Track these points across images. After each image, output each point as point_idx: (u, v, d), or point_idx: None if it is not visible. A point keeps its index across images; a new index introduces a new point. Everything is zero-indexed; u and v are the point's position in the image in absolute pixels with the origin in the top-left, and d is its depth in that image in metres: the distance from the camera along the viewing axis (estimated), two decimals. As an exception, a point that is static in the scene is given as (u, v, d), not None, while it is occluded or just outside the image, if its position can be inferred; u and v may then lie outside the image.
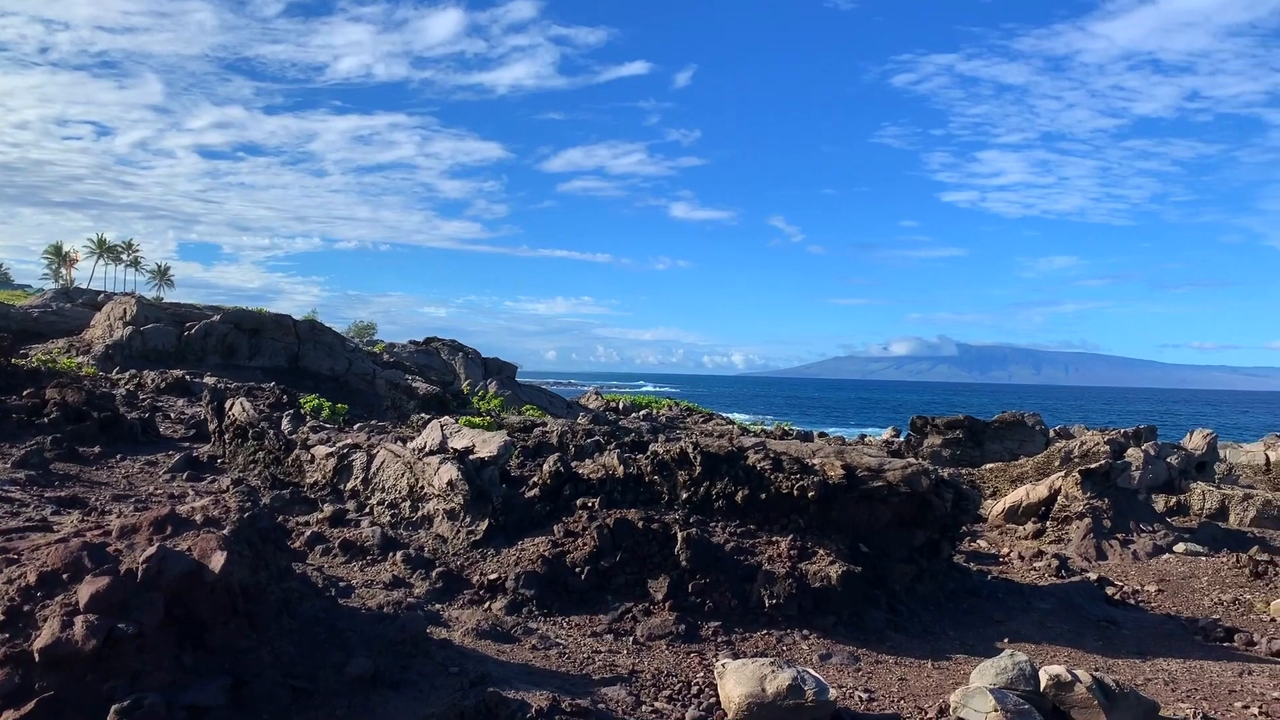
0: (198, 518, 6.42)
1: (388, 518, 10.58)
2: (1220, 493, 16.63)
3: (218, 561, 5.79)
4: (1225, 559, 12.78)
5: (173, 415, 19.71)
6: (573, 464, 10.62)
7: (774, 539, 9.26)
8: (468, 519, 9.84)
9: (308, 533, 10.14)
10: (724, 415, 40.74)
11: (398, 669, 6.46)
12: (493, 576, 8.89)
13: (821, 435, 35.00)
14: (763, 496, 9.49)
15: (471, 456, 10.54)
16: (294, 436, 13.62)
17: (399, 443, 12.33)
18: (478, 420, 16.65)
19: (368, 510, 10.97)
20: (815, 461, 9.74)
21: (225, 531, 6.13)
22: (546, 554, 9.01)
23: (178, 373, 25.70)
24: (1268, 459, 23.60)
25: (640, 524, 9.11)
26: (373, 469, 11.48)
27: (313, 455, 12.58)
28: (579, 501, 9.72)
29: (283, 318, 31.57)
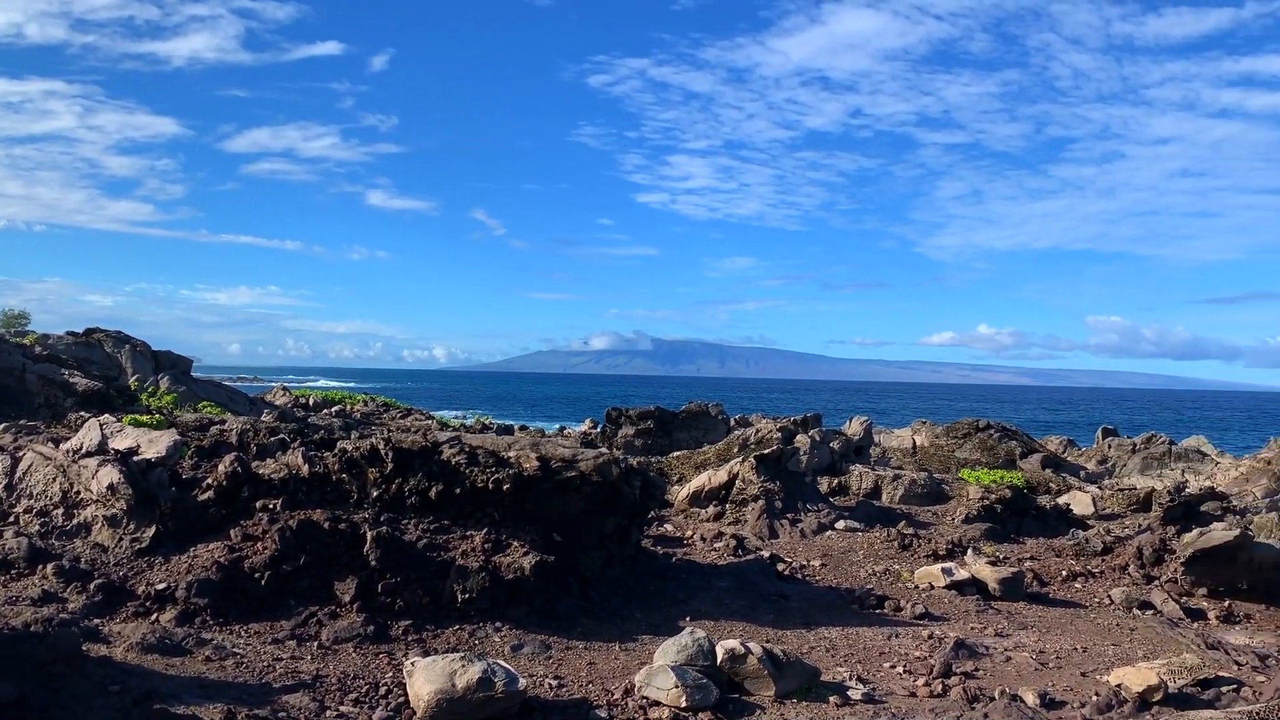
0: None
1: (37, 527, 9.51)
2: (875, 474, 18.40)
3: None
4: (879, 533, 14.16)
5: None
6: (253, 464, 10.04)
7: (468, 533, 9.22)
8: (132, 525, 9.04)
9: (-64, 549, 8.93)
10: (423, 410, 40.02)
11: (47, 692, 5.82)
12: (161, 586, 8.23)
13: (523, 429, 35.25)
14: (457, 491, 9.41)
15: (136, 457, 9.69)
16: (-81, 440, 11.93)
17: (51, 444, 11.12)
18: (145, 419, 15.36)
19: (12, 519, 9.80)
20: (511, 454, 9.79)
21: None
22: (222, 559, 8.46)
23: None
24: (914, 442, 26.42)
25: (326, 524, 8.77)
26: (19, 473, 10.28)
27: (-57, 461, 11.08)
28: (259, 503, 9.21)
29: (-91, 305, 27.56)
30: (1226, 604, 11.41)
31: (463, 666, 6.40)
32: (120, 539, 9.02)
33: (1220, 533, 11.98)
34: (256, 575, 8.37)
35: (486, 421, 36.35)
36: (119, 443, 10.28)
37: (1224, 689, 7.91)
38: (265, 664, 7.21)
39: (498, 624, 8.49)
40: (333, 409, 34.00)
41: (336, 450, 9.82)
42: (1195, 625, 10.68)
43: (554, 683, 7.30)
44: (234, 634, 7.82)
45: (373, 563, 8.50)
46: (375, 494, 9.38)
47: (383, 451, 9.44)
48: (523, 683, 6.60)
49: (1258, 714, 5.84)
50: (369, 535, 8.62)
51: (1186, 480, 21.91)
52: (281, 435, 15.36)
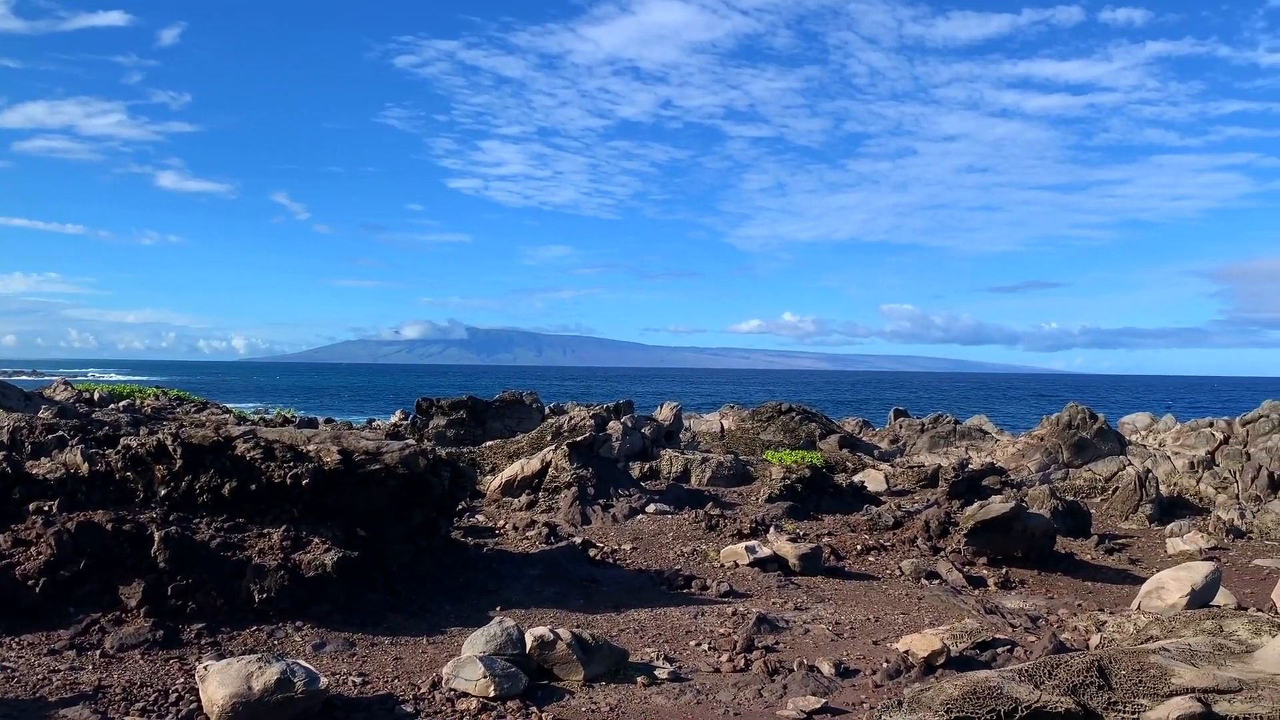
0: None
1: None
2: (684, 457, 18.82)
3: None
4: (687, 515, 14.49)
5: None
6: (27, 463, 9.32)
7: (266, 531, 8.87)
8: (-119, 535, 8.23)
9: None
10: (221, 404, 38.05)
11: None
12: (-84, 601, 7.54)
13: (328, 422, 34.10)
14: (253, 488, 9.03)
15: (-113, 461, 8.83)
16: None
17: None
18: (-99, 418, 13.98)
19: None
20: (310, 448, 9.46)
21: None
22: (-10, 568, 7.82)
23: None
24: (723, 426, 27.18)
25: (109, 526, 8.23)
26: None
27: None
28: (33, 505, 8.55)
29: None
30: (1004, 571, 12.32)
31: (259, 668, 6.16)
32: None
33: (998, 505, 12.91)
34: (30, 582, 7.79)
35: (289, 415, 34.94)
36: None
37: (1000, 650, 8.56)
38: (40, 677, 6.72)
39: (299, 623, 8.21)
40: (120, 404, 31.88)
41: (120, 447, 9.24)
42: (976, 592, 11.47)
43: (358, 680, 7.12)
44: (4, 647, 7.25)
45: (161, 565, 8.05)
46: (164, 493, 8.89)
47: (171, 447, 8.95)
48: (324, 681, 6.41)
49: (1027, 671, 6.33)
50: (157, 536, 8.16)
51: (970, 457, 23.46)
52: (60, 433, 14.31)
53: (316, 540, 8.82)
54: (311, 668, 6.49)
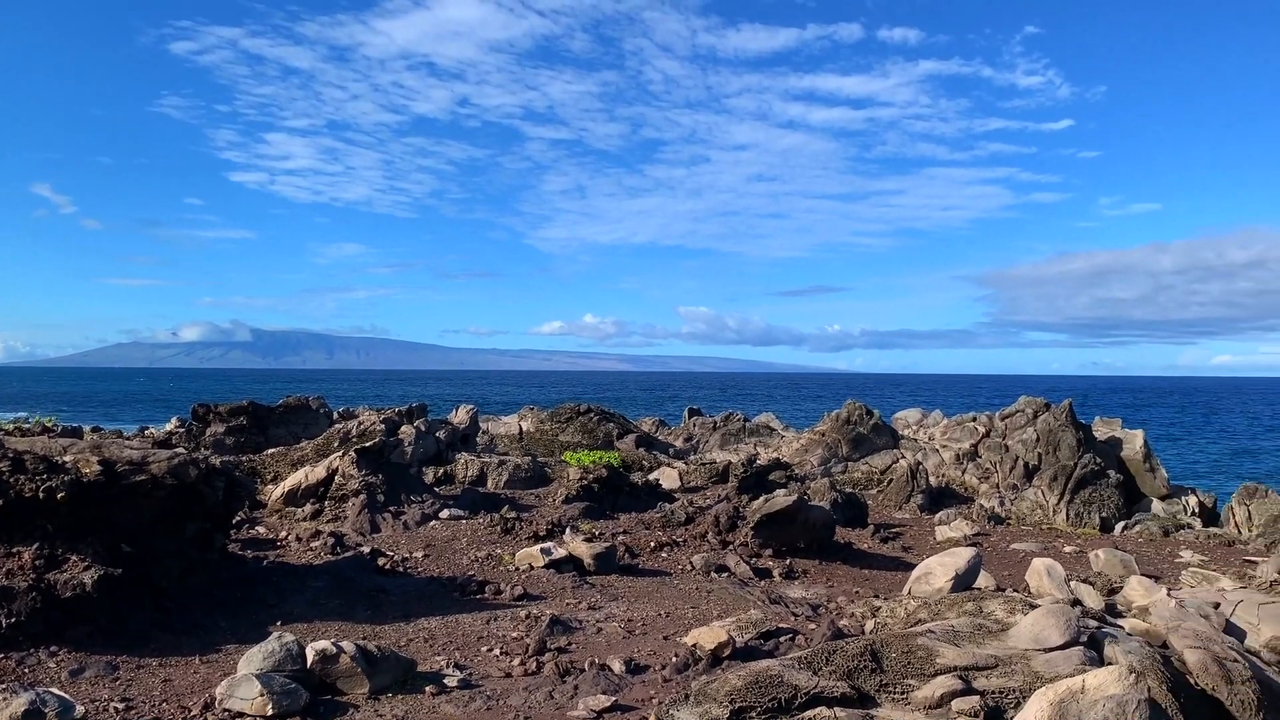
0: None
1: None
2: (480, 461, 18.61)
3: None
4: (482, 520, 14.33)
5: None
6: None
7: (16, 550, 8.12)
8: None
9: None
10: (-29, 413, 34.71)
11: None
12: None
13: (95, 430, 31.70)
14: (1, 503, 8.26)
15: None
16: None
17: None
18: None
19: None
20: (67, 459, 8.74)
21: None
22: None
23: None
24: (521, 429, 27.08)
25: None
26: None
27: None
28: None
29: None
30: (788, 562, 12.82)
31: (4, 699, 5.66)
32: None
33: (781, 499, 13.42)
34: None
35: (49, 424, 32.28)
36: None
37: (783, 639, 8.91)
38: None
39: (53, 648, 7.57)
40: None
41: None
42: (763, 583, 11.88)
43: (121, 705, 6.63)
44: None
45: (-113, 593, 7.25)
46: (-109, 512, 8.00)
47: (-100, 462, 8.07)
48: (80, 710, 5.95)
49: (806, 659, 6.60)
50: (-119, 561, 7.34)
51: (758, 453, 24.34)
52: None
53: (75, 558, 8.16)
54: (66, 696, 6.01)
